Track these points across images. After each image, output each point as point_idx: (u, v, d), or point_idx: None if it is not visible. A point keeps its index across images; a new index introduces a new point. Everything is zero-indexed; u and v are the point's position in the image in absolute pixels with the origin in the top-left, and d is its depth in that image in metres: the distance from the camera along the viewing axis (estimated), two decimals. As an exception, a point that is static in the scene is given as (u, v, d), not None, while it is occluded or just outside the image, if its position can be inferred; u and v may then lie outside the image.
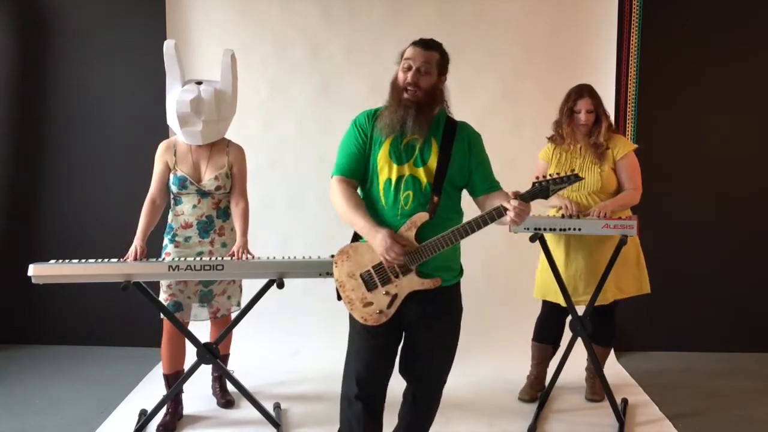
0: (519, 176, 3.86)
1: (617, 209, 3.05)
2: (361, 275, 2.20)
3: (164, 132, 3.71)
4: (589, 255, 3.11)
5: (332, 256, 2.32)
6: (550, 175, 2.15)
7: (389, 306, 2.18)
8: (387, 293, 2.18)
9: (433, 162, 2.19)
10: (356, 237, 2.28)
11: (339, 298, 2.27)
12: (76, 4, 4.03)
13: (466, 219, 2.26)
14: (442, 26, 4.00)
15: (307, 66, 4.05)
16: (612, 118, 3.89)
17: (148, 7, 4.00)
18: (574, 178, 2.14)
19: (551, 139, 3.25)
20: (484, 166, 2.30)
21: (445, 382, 2.38)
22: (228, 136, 3.11)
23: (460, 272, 2.33)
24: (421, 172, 2.19)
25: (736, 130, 4.05)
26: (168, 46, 2.96)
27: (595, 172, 3.11)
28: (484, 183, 2.28)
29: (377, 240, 2.10)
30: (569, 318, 3.14)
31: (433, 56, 2.20)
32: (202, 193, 2.98)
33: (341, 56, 4.04)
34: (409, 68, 2.18)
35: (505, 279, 4.10)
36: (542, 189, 2.13)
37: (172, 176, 2.97)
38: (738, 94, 4.03)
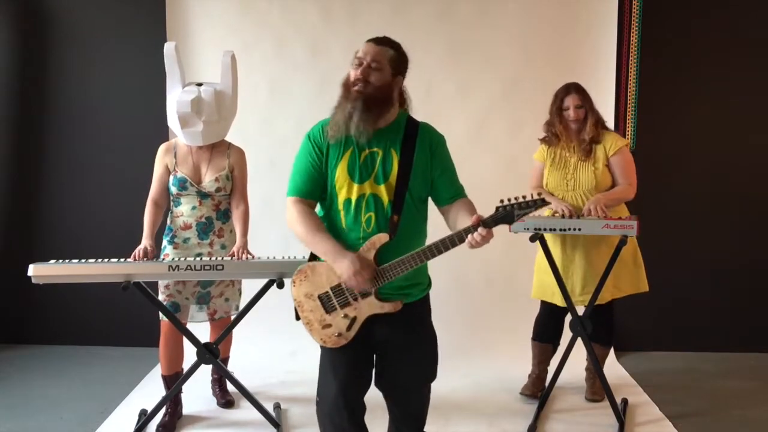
0: (519, 176, 3.89)
1: (610, 203, 3.04)
2: (319, 296, 2.11)
3: (164, 132, 3.71)
4: (587, 255, 3.11)
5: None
6: (515, 198, 2.00)
7: (348, 329, 2.09)
8: (346, 316, 2.09)
9: (394, 177, 2.06)
10: (314, 256, 2.16)
11: (297, 317, 2.17)
12: (76, 5, 4.03)
13: (430, 228, 2.19)
14: (442, 26, 4.01)
15: (307, 66, 4.05)
16: (612, 117, 3.91)
17: (148, 7, 4.00)
18: (540, 203, 1.98)
19: (544, 140, 3.26)
20: (448, 173, 2.17)
21: (426, 391, 2.28)
22: (228, 135, 3.11)
23: (428, 285, 2.23)
24: (382, 190, 2.06)
25: (736, 130, 4.05)
26: (168, 47, 2.96)
27: (589, 170, 3.11)
28: (449, 191, 2.16)
29: (344, 264, 1.99)
30: (568, 317, 3.15)
31: (384, 51, 2.07)
32: (202, 195, 2.98)
33: (341, 56, 4.02)
34: (360, 64, 2.06)
35: (504, 279, 4.10)
36: (506, 214, 1.98)
37: (172, 177, 2.96)
38: (738, 94, 4.02)
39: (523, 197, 2.00)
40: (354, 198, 2.07)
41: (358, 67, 2.07)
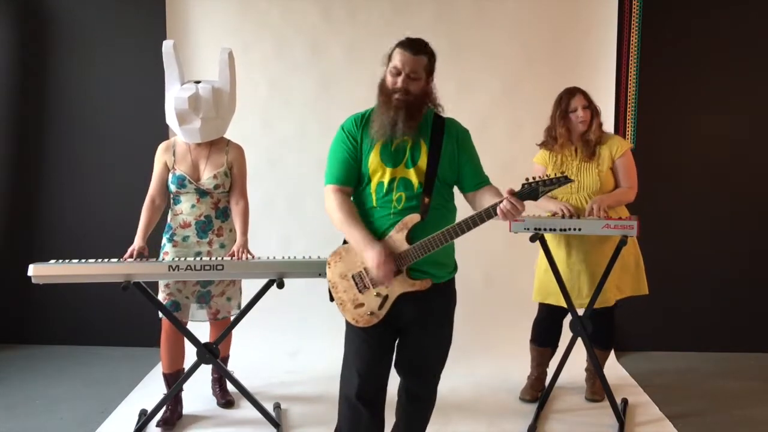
0: (519, 177, 3.84)
1: (613, 204, 3.07)
2: (352, 276, 2.21)
3: (164, 132, 3.71)
4: (592, 256, 3.11)
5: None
6: (540, 176, 2.13)
7: (380, 307, 2.18)
8: (378, 294, 2.18)
9: (423, 162, 2.19)
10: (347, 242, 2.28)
11: (331, 299, 2.27)
12: (76, 5, 4.03)
13: (458, 214, 2.28)
14: (442, 26, 4.00)
15: (307, 66, 4.05)
16: (612, 117, 3.92)
17: (148, 7, 4.00)
18: (564, 180, 2.11)
19: (543, 145, 3.26)
20: (473, 161, 2.30)
21: (439, 376, 2.39)
22: (227, 135, 3.11)
23: (455, 268, 2.33)
24: (411, 173, 2.19)
25: (736, 130, 4.05)
26: (167, 45, 2.97)
27: (593, 173, 3.11)
28: (474, 179, 2.29)
29: (371, 254, 2.10)
30: (567, 319, 3.15)
31: (421, 61, 2.18)
32: (201, 192, 2.98)
33: (341, 56, 4.04)
34: (398, 73, 2.17)
35: (505, 279, 4.10)
36: (531, 190, 2.11)
37: (170, 175, 2.96)
38: (738, 94, 4.03)
39: (547, 175, 2.13)
40: (386, 181, 2.20)
41: (396, 75, 2.17)
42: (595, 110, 3.15)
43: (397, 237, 2.14)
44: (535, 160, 3.30)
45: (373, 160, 2.20)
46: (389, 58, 2.22)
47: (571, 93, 3.13)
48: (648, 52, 3.97)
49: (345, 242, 2.27)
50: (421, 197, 2.17)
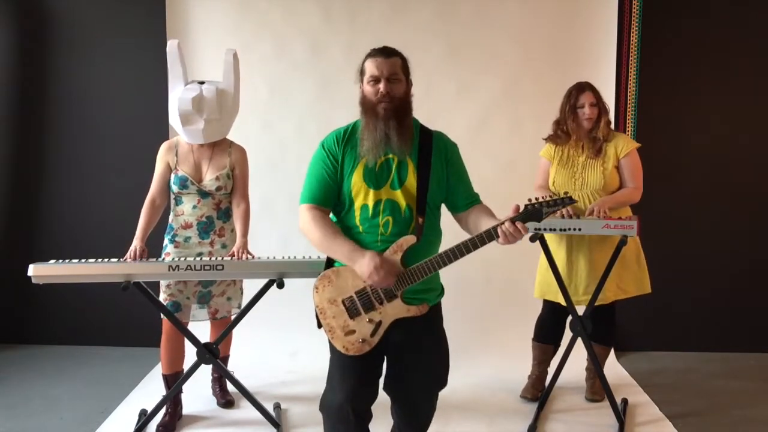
0: (519, 177, 3.90)
1: (615, 206, 3.06)
2: (343, 301, 2.08)
3: (164, 132, 3.71)
4: (590, 255, 3.11)
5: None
6: (543, 197, 2.05)
7: (372, 334, 2.07)
8: (370, 321, 2.07)
9: (411, 182, 2.08)
10: (330, 263, 2.16)
11: (319, 325, 2.15)
12: (76, 4, 4.03)
13: (444, 234, 2.21)
14: (442, 26, 4.01)
15: (307, 66, 4.06)
16: (612, 117, 3.91)
17: (148, 7, 4.00)
18: (568, 201, 2.04)
19: (550, 139, 3.25)
20: (464, 179, 2.20)
21: (435, 406, 2.29)
22: (228, 136, 3.11)
23: (441, 291, 2.24)
24: (398, 195, 2.08)
25: (736, 130, 4.05)
26: (171, 45, 2.96)
27: (598, 171, 3.11)
28: (465, 197, 2.19)
29: (364, 260, 1.99)
30: (569, 318, 3.15)
31: (396, 62, 2.09)
32: (203, 194, 2.98)
33: (341, 56, 4.04)
34: (377, 80, 2.06)
35: (505, 279, 4.10)
36: (534, 212, 2.00)
37: (173, 176, 2.96)
38: (738, 94, 4.03)
39: (551, 196, 2.05)
40: (371, 203, 2.08)
41: (376, 84, 2.07)
42: (603, 108, 3.14)
43: (392, 259, 2.03)
44: (541, 153, 3.28)
45: (356, 180, 2.07)
46: (361, 72, 2.13)
47: (580, 89, 3.12)
48: (648, 52, 3.97)
49: (329, 265, 2.15)
50: (414, 218, 2.06)
